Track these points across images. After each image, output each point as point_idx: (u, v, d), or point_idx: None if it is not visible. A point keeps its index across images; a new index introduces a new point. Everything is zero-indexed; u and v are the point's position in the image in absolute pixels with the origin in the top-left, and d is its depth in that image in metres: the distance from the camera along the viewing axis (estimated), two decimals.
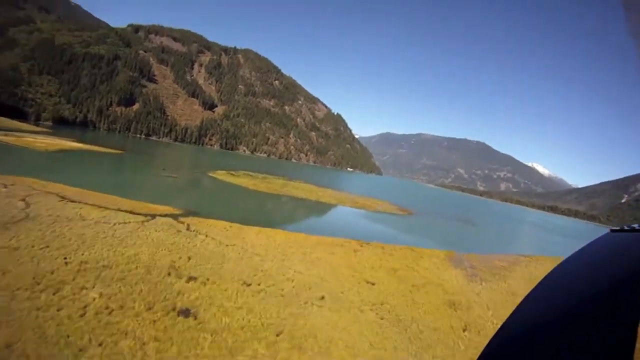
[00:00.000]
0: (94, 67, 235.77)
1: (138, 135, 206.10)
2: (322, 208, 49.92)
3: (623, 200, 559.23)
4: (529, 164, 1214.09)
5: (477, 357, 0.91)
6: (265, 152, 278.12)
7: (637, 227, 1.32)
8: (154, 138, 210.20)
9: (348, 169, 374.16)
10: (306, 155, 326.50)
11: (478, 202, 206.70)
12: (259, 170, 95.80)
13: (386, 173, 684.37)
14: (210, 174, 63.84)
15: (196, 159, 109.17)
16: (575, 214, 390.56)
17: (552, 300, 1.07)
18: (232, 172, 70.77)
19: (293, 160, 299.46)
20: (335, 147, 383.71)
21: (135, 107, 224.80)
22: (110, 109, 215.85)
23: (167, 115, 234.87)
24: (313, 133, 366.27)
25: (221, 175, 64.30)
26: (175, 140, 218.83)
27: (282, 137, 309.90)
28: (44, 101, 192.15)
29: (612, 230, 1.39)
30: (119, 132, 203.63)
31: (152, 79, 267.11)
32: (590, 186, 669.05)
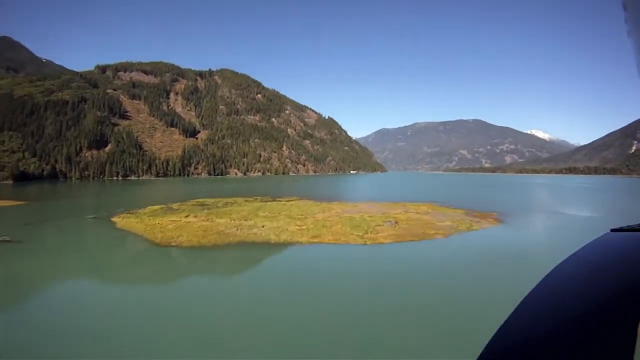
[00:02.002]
0: (58, 114, 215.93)
1: (114, 178, 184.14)
2: (328, 275, 17.23)
3: (634, 147, 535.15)
4: (529, 132, 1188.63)
5: (477, 357, 0.88)
6: (259, 171, 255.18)
7: (637, 227, 1.34)
8: (133, 178, 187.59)
9: (351, 171, 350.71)
10: (304, 166, 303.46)
11: (505, 180, 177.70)
12: (234, 192, 70.88)
13: (389, 169, 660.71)
14: (114, 219, 33.29)
15: (147, 194, 76.10)
16: (595, 170, 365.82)
17: (552, 300, 1.07)
18: (172, 206, 41.92)
19: (291, 173, 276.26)
20: (333, 151, 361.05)
21: (108, 147, 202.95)
22: (80, 154, 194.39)
23: (145, 151, 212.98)
24: (307, 141, 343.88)
25: (138, 217, 33.97)
26: (157, 175, 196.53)
27: (275, 152, 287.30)
28: (4, 159, 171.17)
29: (612, 230, 1.38)
30: (93, 178, 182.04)
31: (124, 116, 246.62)
32: (597, 140, 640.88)
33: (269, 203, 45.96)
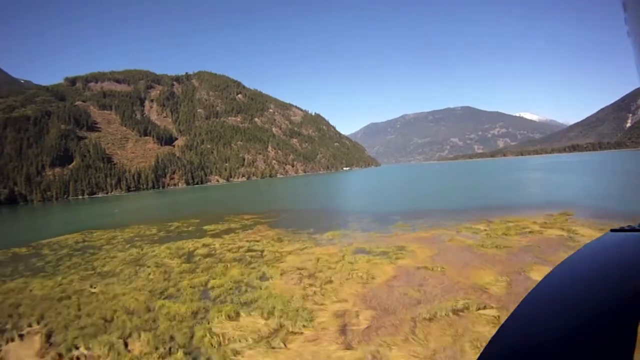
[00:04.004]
0: (19, 132, 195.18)
1: (80, 197, 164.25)
2: None
3: (629, 121, 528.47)
4: (518, 115, 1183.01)
5: (477, 357, 0.86)
6: (243, 175, 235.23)
7: (637, 227, 1.30)
8: (100, 195, 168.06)
9: (344, 168, 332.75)
10: (293, 166, 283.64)
11: (527, 163, 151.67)
12: (164, 211, 48.55)
13: (382, 163, 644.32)
14: None
15: (57, 220, 52.90)
16: (599, 146, 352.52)
17: (552, 300, 1.06)
18: None
19: (279, 175, 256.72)
20: (323, 148, 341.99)
21: (73, 164, 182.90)
22: (42, 174, 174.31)
23: (114, 164, 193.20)
24: (294, 140, 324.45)
25: None
26: (128, 190, 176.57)
27: (260, 153, 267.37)
28: None
29: (612, 230, 1.36)
30: (56, 199, 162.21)
31: (92, 128, 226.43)
32: (590, 117, 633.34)
33: (154, 251, 19.74)
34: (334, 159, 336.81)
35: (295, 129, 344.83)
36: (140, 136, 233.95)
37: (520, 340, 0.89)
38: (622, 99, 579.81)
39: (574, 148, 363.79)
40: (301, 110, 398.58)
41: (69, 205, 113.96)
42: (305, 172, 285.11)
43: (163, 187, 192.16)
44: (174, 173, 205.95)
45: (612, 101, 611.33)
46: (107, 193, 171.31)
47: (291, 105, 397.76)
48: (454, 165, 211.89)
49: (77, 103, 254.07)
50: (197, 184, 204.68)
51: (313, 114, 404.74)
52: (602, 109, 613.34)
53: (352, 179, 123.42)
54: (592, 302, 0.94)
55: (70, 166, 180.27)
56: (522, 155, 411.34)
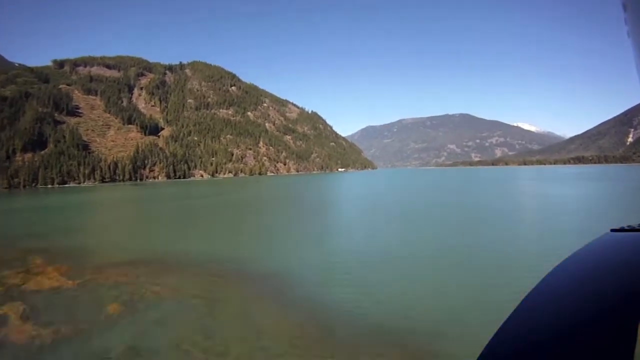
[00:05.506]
0: None
1: (50, 186, 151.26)
2: None
3: (631, 135, 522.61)
4: (515, 124, 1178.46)
5: (477, 357, 0.85)
6: (230, 172, 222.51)
7: (637, 227, 1.31)
8: (72, 184, 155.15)
9: (339, 169, 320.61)
10: (285, 164, 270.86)
11: (533, 173, 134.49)
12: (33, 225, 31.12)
13: (377, 166, 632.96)
14: None
15: None
16: (605, 159, 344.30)
17: (552, 300, 1.05)
18: None
19: (269, 173, 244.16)
20: (318, 147, 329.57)
21: (46, 150, 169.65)
22: (13, 158, 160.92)
23: (91, 152, 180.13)
24: (288, 136, 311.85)
25: None
26: (103, 180, 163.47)
27: (250, 149, 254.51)
28: None
29: (612, 230, 1.36)
30: (24, 186, 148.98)
31: (73, 112, 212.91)
32: (590, 130, 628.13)
33: None
34: (329, 159, 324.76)
35: (290, 125, 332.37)
36: (124, 124, 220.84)
37: (520, 340, 0.89)
38: (625, 113, 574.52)
39: (579, 160, 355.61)
40: (297, 107, 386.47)
41: (32, 195, 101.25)
42: (297, 171, 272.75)
43: (141, 179, 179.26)
44: (154, 165, 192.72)
45: (613, 115, 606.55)
46: (79, 183, 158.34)
47: (287, 101, 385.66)
48: (461, 172, 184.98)
49: (60, 86, 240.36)
50: (178, 178, 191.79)
51: (310, 111, 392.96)
52: (603, 123, 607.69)
53: (353, 184, 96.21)
54: (592, 302, 0.94)
55: (42, 152, 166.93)
56: (525, 164, 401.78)
